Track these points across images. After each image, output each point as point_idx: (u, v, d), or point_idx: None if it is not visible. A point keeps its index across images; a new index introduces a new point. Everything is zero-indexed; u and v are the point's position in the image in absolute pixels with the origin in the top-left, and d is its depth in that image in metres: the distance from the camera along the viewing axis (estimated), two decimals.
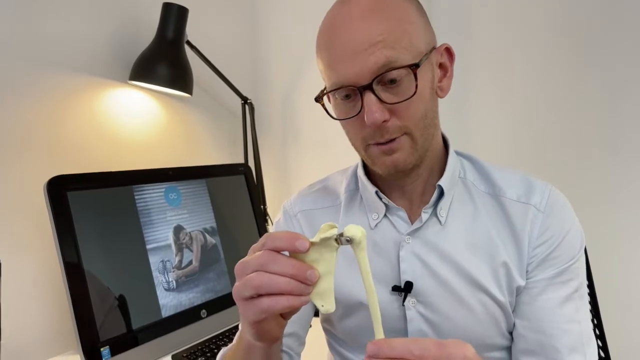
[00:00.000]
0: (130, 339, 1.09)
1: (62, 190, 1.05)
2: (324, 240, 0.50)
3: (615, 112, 1.21)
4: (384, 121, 0.64)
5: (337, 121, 0.71)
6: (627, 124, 1.20)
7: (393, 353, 0.47)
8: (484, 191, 0.75)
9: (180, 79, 1.31)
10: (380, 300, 0.73)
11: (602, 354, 0.92)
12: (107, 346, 1.04)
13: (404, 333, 0.73)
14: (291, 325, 0.77)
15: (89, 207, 1.09)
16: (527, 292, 0.71)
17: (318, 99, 0.70)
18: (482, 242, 0.72)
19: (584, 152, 1.24)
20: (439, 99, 0.72)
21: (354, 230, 0.50)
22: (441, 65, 0.71)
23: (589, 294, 0.93)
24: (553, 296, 0.70)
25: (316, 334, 0.91)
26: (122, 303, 1.10)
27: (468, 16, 1.37)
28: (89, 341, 1.01)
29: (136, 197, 1.19)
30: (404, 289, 0.72)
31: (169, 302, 1.19)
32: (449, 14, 1.41)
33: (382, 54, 0.62)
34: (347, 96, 0.66)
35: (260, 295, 0.50)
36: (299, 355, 0.82)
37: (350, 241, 0.50)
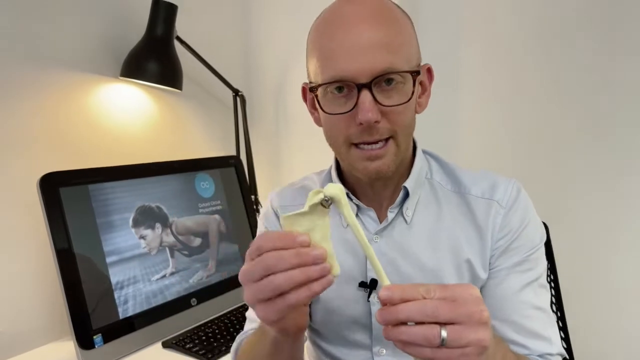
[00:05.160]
0: (121, 327, 1.14)
1: (54, 187, 1.09)
2: (313, 208, 0.51)
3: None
4: (376, 122, 0.66)
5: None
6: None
7: (405, 294, 0.48)
8: (451, 190, 0.79)
9: (169, 75, 1.34)
10: (348, 297, 0.78)
11: (564, 345, 0.95)
12: (100, 334, 1.09)
13: (369, 327, 0.78)
14: None
15: (81, 201, 1.13)
16: (489, 282, 0.75)
17: (313, 89, 0.69)
18: (445, 240, 0.76)
19: (573, 150, 1.24)
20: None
21: (332, 189, 0.51)
22: (421, 83, 0.75)
23: (553, 289, 0.96)
24: (514, 284, 0.73)
25: None
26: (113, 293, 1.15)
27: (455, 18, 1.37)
28: (82, 329, 1.07)
29: None
30: (369, 285, 0.76)
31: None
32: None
33: (386, 57, 0.64)
34: (340, 90, 0.67)
35: (280, 295, 0.50)
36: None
37: (329, 201, 0.51)
